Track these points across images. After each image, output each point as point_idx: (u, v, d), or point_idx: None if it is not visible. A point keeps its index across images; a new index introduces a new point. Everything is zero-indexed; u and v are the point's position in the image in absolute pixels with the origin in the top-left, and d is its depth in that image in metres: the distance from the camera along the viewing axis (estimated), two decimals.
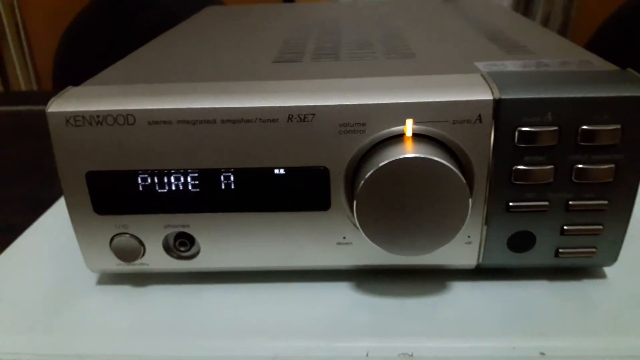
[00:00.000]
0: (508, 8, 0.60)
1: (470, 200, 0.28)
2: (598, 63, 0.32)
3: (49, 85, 1.10)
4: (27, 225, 0.43)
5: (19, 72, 1.38)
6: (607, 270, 0.34)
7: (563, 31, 1.26)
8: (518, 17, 0.50)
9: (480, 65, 0.32)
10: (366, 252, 0.32)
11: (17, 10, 1.34)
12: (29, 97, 1.02)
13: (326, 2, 1.43)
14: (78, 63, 1.07)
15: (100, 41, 1.08)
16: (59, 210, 0.44)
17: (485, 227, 0.31)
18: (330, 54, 0.38)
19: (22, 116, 0.73)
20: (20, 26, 1.36)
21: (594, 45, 0.95)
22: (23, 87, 1.40)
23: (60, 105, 0.30)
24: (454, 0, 0.60)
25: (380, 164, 0.28)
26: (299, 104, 0.29)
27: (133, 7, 1.10)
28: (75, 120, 0.30)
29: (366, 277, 0.34)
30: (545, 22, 1.24)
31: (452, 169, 0.27)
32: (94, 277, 0.36)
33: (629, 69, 0.30)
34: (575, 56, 0.34)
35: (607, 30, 0.95)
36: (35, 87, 1.41)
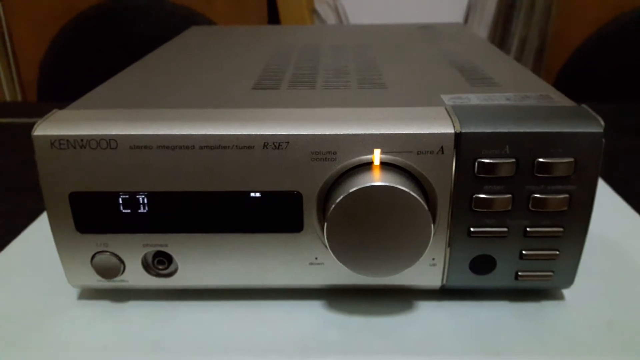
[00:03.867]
0: (482, 38, 0.63)
1: (432, 226, 0.30)
2: (557, 98, 0.34)
3: (33, 95, 1.11)
4: (10, 238, 0.44)
5: (4, 83, 1.38)
6: (564, 292, 0.36)
7: (539, 55, 1.29)
8: (490, 47, 0.53)
9: (446, 98, 0.34)
10: (337, 272, 0.34)
11: (3, 21, 1.35)
12: (13, 108, 1.02)
13: (310, 25, 1.46)
14: (63, 75, 1.08)
15: (86, 54, 1.09)
16: (42, 224, 0.45)
17: (448, 251, 0.33)
18: (307, 81, 0.40)
19: (6, 128, 0.74)
20: (6, 36, 1.36)
21: (567, 72, 0.99)
22: (8, 98, 1.40)
23: (46, 129, 0.31)
24: (431, 27, 0.62)
25: (350, 191, 0.30)
26: (274, 133, 0.31)
27: (120, 20, 1.11)
28: (60, 143, 0.31)
29: (337, 296, 0.36)
30: (522, 46, 1.28)
31: (415, 197, 0.29)
32: (75, 291, 0.37)
33: (583, 105, 0.33)
34: (536, 90, 0.36)
35: (578, 59, 0.98)
36: (20, 98, 1.41)
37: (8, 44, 1.37)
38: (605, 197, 0.48)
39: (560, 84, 1.00)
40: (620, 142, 0.63)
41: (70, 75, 1.08)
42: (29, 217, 0.46)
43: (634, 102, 0.79)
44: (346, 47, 0.53)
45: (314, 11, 1.44)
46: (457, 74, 0.41)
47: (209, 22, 1.07)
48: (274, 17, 1.48)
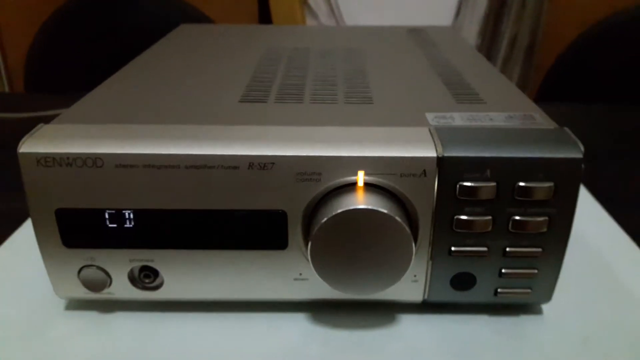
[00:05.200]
0: (470, 45, 0.62)
1: (413, 247, 0.31)
2: (539, 119, 0.35)
3: (20, 83, 1.10)
4: None
5: None
6: (543, 306, 0.37)
7: (530, 52, 1.30)
8: (478, 57, 0.53)
9: (430, 117, 0.35)
10: (321, 287, 0.34)
11: None
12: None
13: (300, 15, 1.45)
14: (51, 63, 1.07)
15: (73, 42, 1.08)
16: (28, 230, 0.45)
17: (430, 268, 0.34)
18: (295, 94, 0.40)
19: None
20: None
21: (556, 69, 0.99)
22: None
23: (32, 146, 0.31)
24: (420, 31, 0.62)
25: (334, 213, 0.30)
26: (259, 154, 0.31)
27: (108, 9, 1.10)
28: (46, 161, 0.31)
29: (321, 309, 0.37)
30: (512, 44, 1.28)
31: (397, 220, 0.30)
32: (62, 301, 0.37)
33: (565, 128, 0.33)
34: (521, 109, 0.36)
35: (567, 57, 0.99)
36: (7, 87, 1.40)
37: None
38: (587, 207, 0.49)
39: (551, 80, 1.01)
40: (606, 145, 0.64)
41: (58, 64, 1.07)
42: (18, 218, 0.46)
43: (624, 102, 0.79)
44: (335, 52, 0.53)
45: (303, 2, 1.43)
46: (443, 88, 0.41)
47: (198, 12, 1.06)
48: (264, 5, 1.47)
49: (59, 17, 1.08)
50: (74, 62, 1.07)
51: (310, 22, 1.50)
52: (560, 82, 0.99)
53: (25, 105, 0.65)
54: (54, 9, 1.06)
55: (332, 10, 1.45)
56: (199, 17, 1.05)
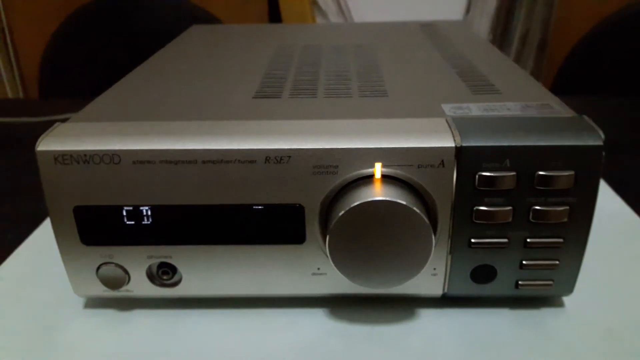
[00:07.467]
0: (483, 38, 0.62)
1: (433, 239, 0.30)
2: (557, 107, 0.34)
3: (35, 90, 1.11)
4: (15, 242, 0.44)
5: (5, 79, 1.38)
6: (565, 299, 0.37)
7: (542, 47, 1.28)
8: (491, 49, 0.52)
9: (446, 108, 0.34)
10: (339, 281, 0.34)
11: (2, 16, 1.34)
12: (14, 106, 1.02)
13: (310, 14, 1.45)
14: (64, 70, 1.08)
15: (86, 48, 1.09)
16: (46, 230, 0.46)
17: (449, 261, 0.33)
18: (309, 88, 0.40)
19: (7, 127, 0.74)
20: (7, 31, 1.36)
21: (569, 63, 0.98)
22: (9, 94, 1.40)
23: (49, 144, 0.31)
24: (432, 25, 0.62)
25: (351, 205, 0.30)
26: (276, 147, 0.31)
27: (120, 14, 1.11)
28: (64, 158, 0.31)
29: (340, 304, 0.36)
30: (524, 39, 1.27)
31: (416, 212, 0.29)
32: (81, 300, 0.37)
33: (584, 116, 0.33)
34: (537, 98, 0.36)
35: (580, 50, 0.98)
36: (21, 93, 1.41)
37: (8, 40, 1.36)
38: (607, 200, 0.49)
39: (564, 75, 1.00)
40: (622, 139, 0.64)
41: (71, 69, 1.08)
42: (34, 220, 0.47)
43: (636, 95, 0.78)
44: (347, 48, 0.52)
45: (313, 2, 1.43)
46: (458, 80, 0.41)
47: (209, 14, 1.06)
48: (274, 6, 1.47)
49: (70, 23, 1.09)
50: (87, 68, 1.08)
51: (319, 21, 1.50)
52: (574, 76, 0.98)
53: (41, 111, 0.65)
54: (66, 15, 1.07)
55: (342, 9, 1.45)
56: (210, 20, 1.05)
